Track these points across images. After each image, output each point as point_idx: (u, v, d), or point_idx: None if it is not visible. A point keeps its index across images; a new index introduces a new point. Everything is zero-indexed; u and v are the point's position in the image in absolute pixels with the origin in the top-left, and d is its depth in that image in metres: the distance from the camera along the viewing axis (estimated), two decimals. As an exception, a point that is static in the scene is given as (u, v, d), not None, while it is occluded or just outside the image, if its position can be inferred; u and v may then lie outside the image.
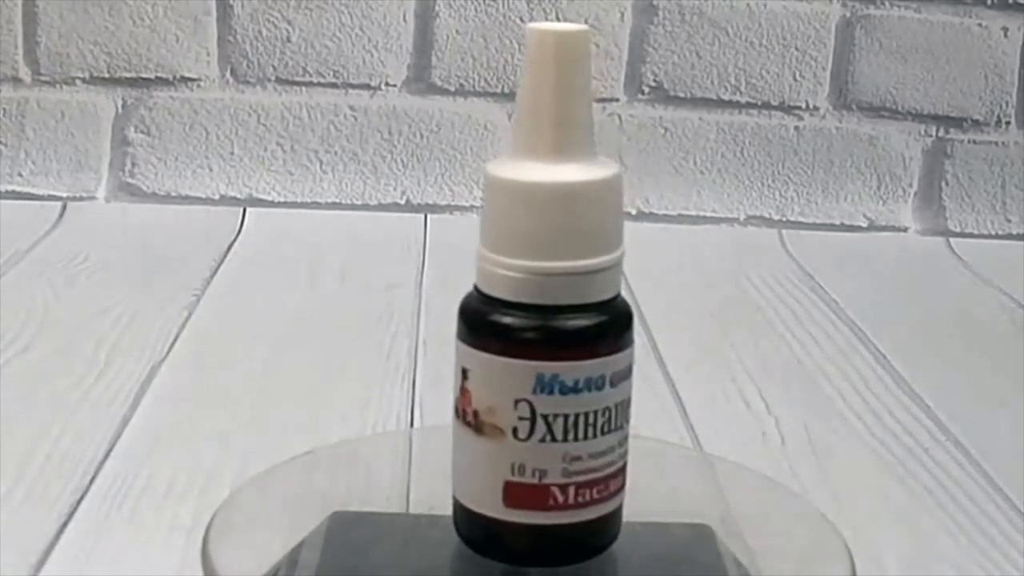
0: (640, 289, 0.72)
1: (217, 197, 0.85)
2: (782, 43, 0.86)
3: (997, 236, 0.89)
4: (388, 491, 0.41)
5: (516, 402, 0.33)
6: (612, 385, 0.34)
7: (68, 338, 0.60)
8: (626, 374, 0.34)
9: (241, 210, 0.84)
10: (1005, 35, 0.87)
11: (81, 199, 0.84)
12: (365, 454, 0.46)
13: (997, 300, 0.75)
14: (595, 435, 0.34)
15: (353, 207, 0.86)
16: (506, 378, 0.33)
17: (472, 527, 0.35)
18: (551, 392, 0.33)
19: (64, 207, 0.83)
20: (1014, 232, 0.89)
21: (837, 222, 0.88)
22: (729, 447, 0.51)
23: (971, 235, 0.89)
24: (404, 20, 0.85)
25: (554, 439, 0.33)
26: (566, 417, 0.33)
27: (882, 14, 0.87)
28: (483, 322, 0.34)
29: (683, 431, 0.52)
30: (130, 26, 0.83)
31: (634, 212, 0.87)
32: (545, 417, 0.33)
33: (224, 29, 0.84)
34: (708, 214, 0.88)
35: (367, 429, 0.51)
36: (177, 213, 0.84)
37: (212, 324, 0.63)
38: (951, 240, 0.88)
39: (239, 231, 0.81)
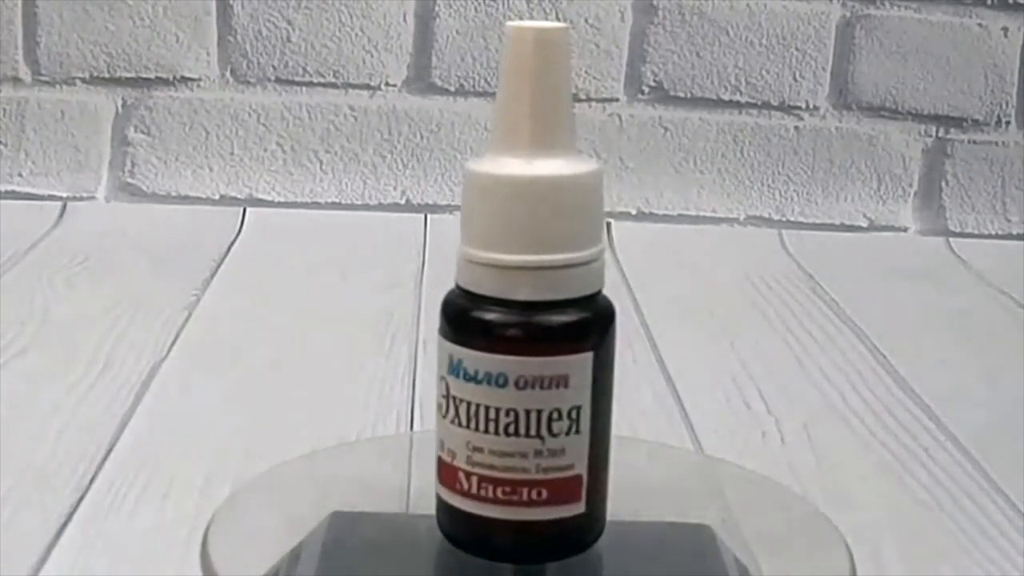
0: (640, 289, 0.72)
1: (217, 197, 0.85)
2: (782, 43, 0.86)
3: (997, 236, 0.89)
4: (388, 491, 0.41)
5: (440, 379, 0.35)
6: (518, 387, 0.33)
7: (68, 338, 0.60)
8: (542, 383, 0.33)
9: (241, 210, 0.84)
10: (1005, 35, 0.87)
11: (81, 199, 0.84)
12: (365, 454, 0.46)
13: (997, 300, 0.75)
14: (497, 432, 0.33)
15: (353, 207, 0.86)
16: (439, 354, 0.35)
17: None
18: (457, 376, 0.34)
19: (64, 207, 0.83)
20: (1014, 232, 0.89)
21: (837, 222, 0.88)
22: (729, 447, 0.51)
23: (971, 235, 0.89)
24: (404, 20, 0.85)
25: (460, 423, 0.34)
26: (468, 404, 0.34)
27: (882, 14, 0.87)
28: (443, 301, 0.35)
29: (683, 431, 0.52)
30: (130, 26, 0.83)
31: (634, 212, 0.87)
32: (455, 399, 0.34)
33: (224, 29, 0.84)
34: (708, 214, 0.88)
35: (367, 429, 0.51)
36: (177, 213, 0.84)
37: (212, 324, 0.63)
38: (951, 240, 0.88)
39: (239, 231, 0.81)
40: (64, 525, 0.42)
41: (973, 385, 0.60)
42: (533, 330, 0.33)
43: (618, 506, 0.37)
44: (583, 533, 0.35)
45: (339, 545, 0.37)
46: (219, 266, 0.73)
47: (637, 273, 0.75)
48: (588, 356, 0.34)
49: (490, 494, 0.34)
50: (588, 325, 0.34)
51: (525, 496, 0.34)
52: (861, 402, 0.57)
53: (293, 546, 0.37)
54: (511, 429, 0.33)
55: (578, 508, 0.34)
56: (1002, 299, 0.75)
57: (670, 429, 0.52)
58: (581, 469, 0.34)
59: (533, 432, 0.33)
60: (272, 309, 0.67)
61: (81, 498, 0.44)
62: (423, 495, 0.36)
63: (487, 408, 0.34)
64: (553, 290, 0.34)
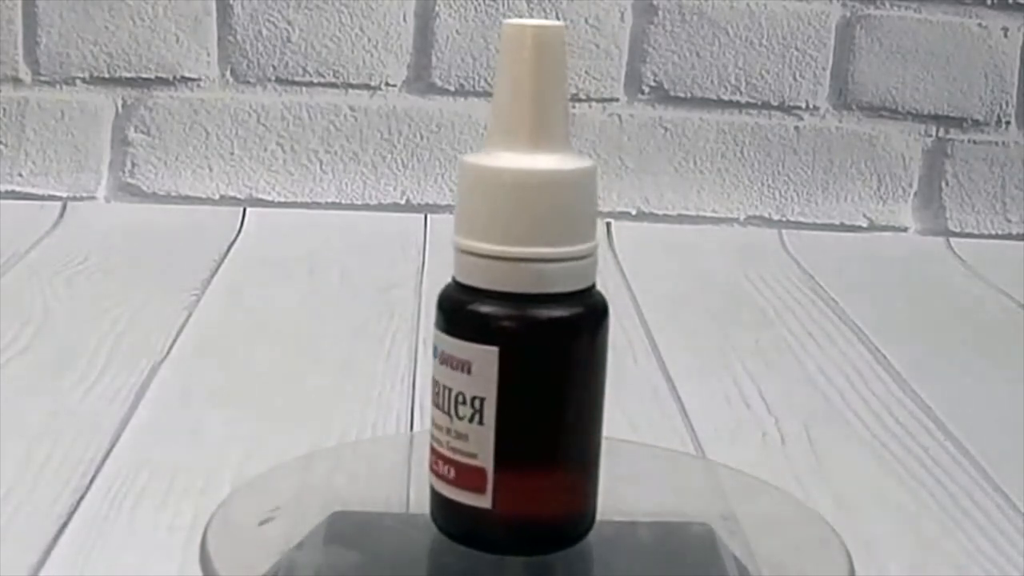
0: (640, 289, 0.72)
1: (217, 197, 0.85)
2: (782, 43, 0.86)
3: (997, 236, 0.89)
4: (388, 491, 0.41)
5: None
6: (440, 362, 0.35)
7: (68, 338, 0.60)
8: (452, 363, 0.34)
9: (241, 210, 0.84)
10: (1005, 35, 0.87)
11: (81, 199, 0.84)
12: (365, 454, 0.46)
13: (997, 300, 0.75)
14: (433, 401, 0.35)
15: (353, 207, 0.86)
16: None
17: None
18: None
19: (64, 207, 0.83)
20: (1014, 232, 0.89)
21: (837, 222, 0.88)
22: (729, 447, 0.51)
23: (971, 235, 0.89)
24: (404, 20, 0.85)
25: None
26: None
27: (882, 14, 0.87)
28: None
29: (683, 431, 0.52)
30: (130, 26, 0.83)
31: (634, 212, 0.87)
32: None
33: (224, 29, 0.84)
34: (708, 214, 0.88)
35: (367, 430, 0.51)
36: (177, 213, 0.84)
37: (212, 324, 0.63)
38: (951, 240, 0.88)
39: (239, 231, 0.81)
40: (64, 525, 0.42)
41: (973, 385, 0.60)
42: (449, 313, 0.35)
43: (618, 506, 0.37)
44: (491, 532, 0.35)
45: (339, 545, 0.37)
46: (219, 266, 0.73)
47: (637, 273, 0.75)
48: (492, 350, 0.34)
49: (431, 463, 0.35)
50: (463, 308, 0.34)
51: (440, 469, 0.35)
52: (861, 402, 0.57)
53: (293, 546, 0.37)
54: (437, 400, 0.35)
55: (483, 502, 0.34)
56: (1002, 299, 0.75)
57: (670, 429, 0.52)
58: (485, 463, 0.34)
59: (445, 408, 0.35)
60: (272, 309, 0.67)
61: (81, 498, 0.44)
62: (423, 495, 0.36)
63: (432, 377, 0.35)
64: (540, 284, 0.34)
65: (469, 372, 0.34)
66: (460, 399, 0.34)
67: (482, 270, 0.34)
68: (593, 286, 0.35)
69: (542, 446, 0.35)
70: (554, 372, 0.34)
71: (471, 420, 0.34)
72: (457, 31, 0.85)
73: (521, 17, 0.84)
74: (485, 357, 0.34)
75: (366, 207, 0.86)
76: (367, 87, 0.85)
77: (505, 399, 0.34)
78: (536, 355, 0.34)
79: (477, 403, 0.34)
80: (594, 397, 0.35)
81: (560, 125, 0.34)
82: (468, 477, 0.34)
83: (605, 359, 0.35)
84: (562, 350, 0.34)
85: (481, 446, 0.34)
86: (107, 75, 0.84)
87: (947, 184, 0.89)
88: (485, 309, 0.34)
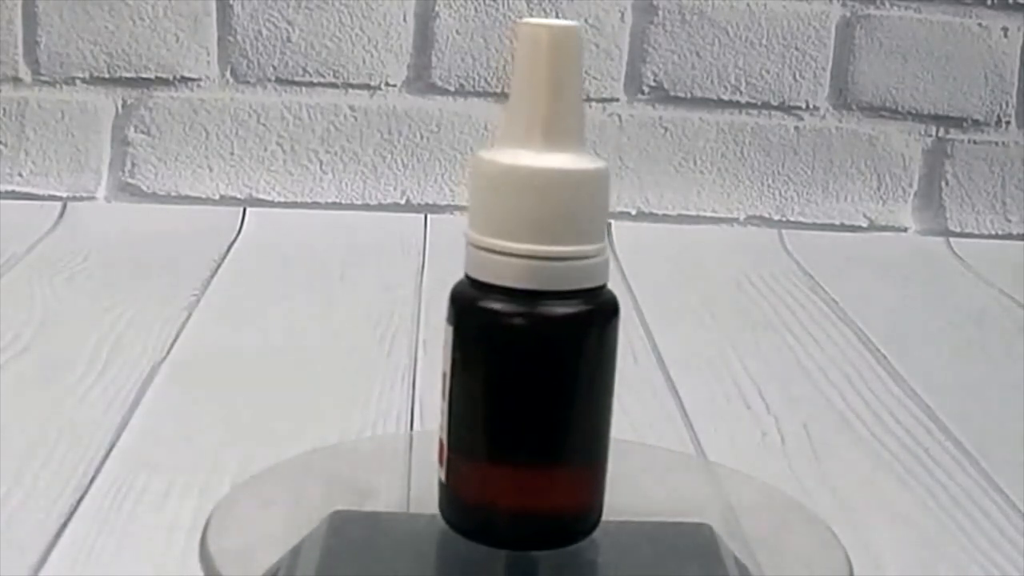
0: (640, 289, 0.72)
1: (217, 197, 0.85)
2: (782, 43, 0.86)
3: (997, 236, 0.89)
4: (388, 491, 0.41)
5: None
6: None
7: (68, 338, 0.60)
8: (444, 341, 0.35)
9: (241, 210, 0.84)
10: (1005, 35, 0.87)
11: (81, 199, 0.84)
12: (365, 454, 0.46)
13: (997, 300, 0.75)
14: None
15: (353, 207, 0.86)
16: None
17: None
18: None
19: (64, 207, 0.83)
20: (1014, 232, 0.89)
21: (837, 222, 0.88)
22: (729, 447, 0.51)
23: (971, 235, 0.89)
24: (404, 20, 0.85)
25: None
26: None
27: (882, 14, 0.87)
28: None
29: (683, 431, 0.52)
30: (130, 26, 0.83)
31: (634, 212, 0.87)
32: None
33: (224, 29, 0.84)
34: (708, 214, 0.88)
35: (367, 429, 0.51)
36: (177, 213, 0.84)
37: (212, 324, 0.63)
38: (951, 240, 0.88)
39: (239, 231, 0.81)
40: (64, 525, 0.42)
41: (973, 385, 0.60)
42: (455, 302, 0.35)
43: (618, 506, 0.37)
44: (446, 508, 0.35)
45: (339, 544, 0.37)
46: (219, 266, 0.73)
47: (637, 273, 0.75)
48: (449, 329, 0.35)
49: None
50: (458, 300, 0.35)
51: (440, 454, 0.35)
52: (861, 402, 0.57)
53: (293, 545, 0.37)
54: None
55: (442, 474, 0.35)
56: (1002, 299, 0.75)
57: (670, 429, 0.52)
58: (443, 435, 0.35)
59: (444, 393, 0.35)
60: (272, 309, 0.67)
61: (81, 498, 0.44)
62: (423, 494, 0.36)
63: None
64: (549, 281, 0.34)
65: (447, 347, 0.35)
66: (444, 371, 0.35)
67: (493, 266, 0.34)
68: (604, 286, 0.35)
69: (471, 423, 0.35)
70: (538, 368, 0.34)
71: (442, 392, 0.35)
72: (457, 31, 0.85)
73: (521, 17, 0.84)
74: (447, 335, 0.35)
75: (366, 207, 0.86)
76: (367, 87, 0.85)
77: (456, 376, 0.34)
78: (482, 345, 0.34)
79: (445, 377, 0.35)
80: (591, 397, 0.35)
81: (575, 125, 0.34)
82: (440, 447, 0.35)
83: (612, 359, 0.35)
84: (563, 347, 0.34)
85: (443, 419, 0.35)
86: (107, 75, 0.84)
87: (947, 184, 0.89)
88: (496, 305, 0.34)
